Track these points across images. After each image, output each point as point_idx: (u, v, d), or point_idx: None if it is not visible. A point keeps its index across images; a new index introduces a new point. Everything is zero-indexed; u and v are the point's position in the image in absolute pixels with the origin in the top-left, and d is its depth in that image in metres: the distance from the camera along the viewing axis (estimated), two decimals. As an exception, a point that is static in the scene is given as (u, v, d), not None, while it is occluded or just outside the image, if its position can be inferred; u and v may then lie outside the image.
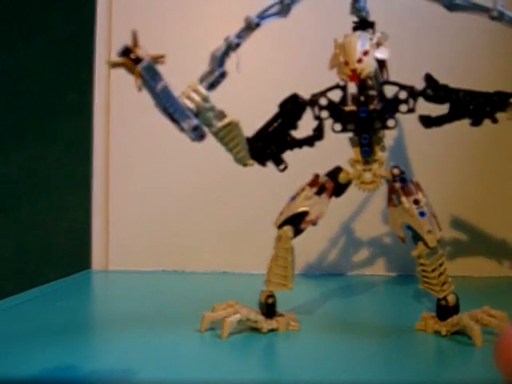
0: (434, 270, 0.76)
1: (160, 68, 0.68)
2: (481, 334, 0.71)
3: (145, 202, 1.34)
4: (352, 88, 0.79)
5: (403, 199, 0.77)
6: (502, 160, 1.24)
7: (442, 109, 0.78)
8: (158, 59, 0.67)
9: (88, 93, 1.35)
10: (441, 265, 0.76)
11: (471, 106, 0.76)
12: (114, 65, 0.66)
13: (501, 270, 1.23)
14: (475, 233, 1.24)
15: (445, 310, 0.76)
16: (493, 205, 1.24)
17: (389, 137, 1.03)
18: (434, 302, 0.78)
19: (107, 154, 1.35)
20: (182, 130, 0.72)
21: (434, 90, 0.78)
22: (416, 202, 0.76)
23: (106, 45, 1.34)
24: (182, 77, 0.71)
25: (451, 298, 0.76)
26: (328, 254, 1.28)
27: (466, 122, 0.77)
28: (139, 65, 0.65)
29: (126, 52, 0.65)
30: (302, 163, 0.87)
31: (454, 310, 0.76)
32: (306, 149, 0.82)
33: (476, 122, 0.77)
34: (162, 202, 1.33)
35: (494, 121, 0.76)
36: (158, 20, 1.32)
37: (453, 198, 1.22)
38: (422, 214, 0.76)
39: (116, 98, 1.34)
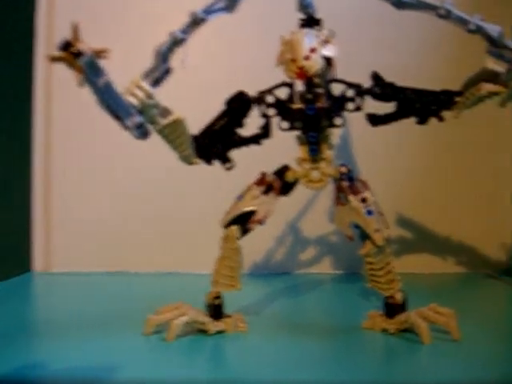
0: (381, 269, 0.76)
1: (103, 63, 0.65)
2: (429, 332, 0.71)
3: (89, 201, 1.31)
4: (299, 86, 0.78)
5: (351, 198, 0.77)
6: (447, 158, 1.26)
7: (388, 107, 0.78)
8: (100, 53, 0.64)
9: (28, 90, 1.31)
10: (388, 263, 0.77)
11: (418, 105, 0.77)
12: (55, 59, 0.64)
13: (446, 267, 1.25)
14: (421, 230, 1.26)
15: (393, 308, 0.77)
16: (438, 203, 1.26)
17: (336, 135, 1.03)
18: (381, 299, 0.79)
19: (49, 153, 1.31)
20: (126, 127, 0.70)
21: (381, 88, 0.78)
22: (363, 200, 0.76)
23: (47, 39, 1.30)
24: (125, 72, 0.69)
25: (399, 296, 0.77)
26: (275, 253, 1.27)
27: (413, 120, 0.78)
28: (80, 59, 0.63)
29: (66, 46, 0.63)
30: (249, 162, 0.87)
31: (402, 307, 0.77)
32: (252, 147, 0.81)
33: (422, 121, 0.78)
34: (107, 201, 1.30)
35: (440, 119, 0.77)
36: (101, 14, 1.29)
37: (399, 196, 1.24)
38: (369, 212, 0.76)
39: (57, 95, 1.31)
